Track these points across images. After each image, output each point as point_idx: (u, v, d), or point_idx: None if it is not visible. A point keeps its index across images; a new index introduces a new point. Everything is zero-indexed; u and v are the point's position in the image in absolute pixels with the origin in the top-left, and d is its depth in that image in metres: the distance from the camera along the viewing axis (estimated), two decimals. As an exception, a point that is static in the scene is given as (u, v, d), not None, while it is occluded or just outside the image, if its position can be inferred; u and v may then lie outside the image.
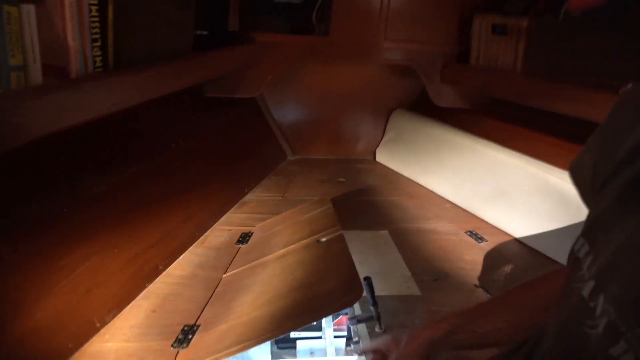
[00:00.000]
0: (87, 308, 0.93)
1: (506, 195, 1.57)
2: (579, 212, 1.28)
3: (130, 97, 0.86)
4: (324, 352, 1.24)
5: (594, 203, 0.50)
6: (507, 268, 1.30)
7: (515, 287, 0.72)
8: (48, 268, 0.83)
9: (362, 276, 0.93)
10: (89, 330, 0.92)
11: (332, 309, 0.84)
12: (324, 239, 1.13)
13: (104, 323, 0.95)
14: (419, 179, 2.02)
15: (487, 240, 1.46)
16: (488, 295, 1.14)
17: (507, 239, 1.48)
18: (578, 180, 0.58)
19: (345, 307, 0.83)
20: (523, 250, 1.41)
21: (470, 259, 1.34)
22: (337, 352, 1.26)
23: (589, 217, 0.48)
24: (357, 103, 2.39)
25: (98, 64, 0.83)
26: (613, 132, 0.47)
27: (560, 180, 1.36)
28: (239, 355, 0.85)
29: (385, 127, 2.41)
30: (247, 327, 0.89)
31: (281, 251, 1.16)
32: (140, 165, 1.22)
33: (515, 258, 1.36)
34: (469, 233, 1.51)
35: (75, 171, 1.01)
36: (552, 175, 1.39)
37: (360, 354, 0.91)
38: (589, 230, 0.46)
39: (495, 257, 1.36)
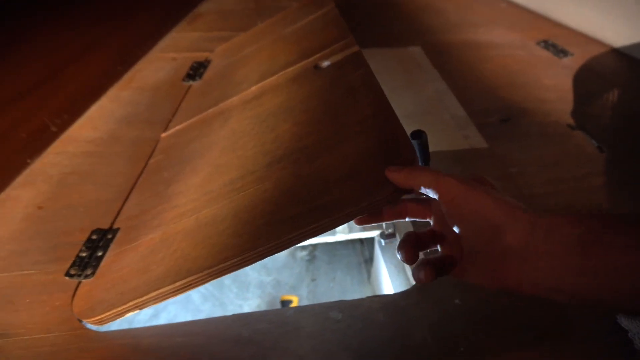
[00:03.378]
0: None
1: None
2: None
3: None
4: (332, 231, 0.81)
5: None
6: (612, 95, 0.84)
7: None
8: None
9: (407, 129, 0.47)
10: None
11: (355, 210, 0.39)
12: (326, 62, 0.64)
13: (-58, 239, 0.54)
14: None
15: (572, 54, 0.96)
16: (593, 141, 0.71)
17: (601, 50, 0.98)
18: None
19: (380, 203, 0.39)
20: (629, 66, 0.93)
21: (553, 83, 0.87)
22: (350, 226, 0.87)
23: None
24: None
25: None
26: None
27: None
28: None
29: None
30: (194, 239, 0.47)
31: (254, 88, 0.67)
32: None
33: (618, 78, 0.89)
34: (543, 44, 1.00)
35: None
36: None
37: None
38: None
39: (590, 79, 0.88)
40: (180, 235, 0.48)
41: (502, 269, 0.31)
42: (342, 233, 0.92)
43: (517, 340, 0.44)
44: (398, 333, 0.45)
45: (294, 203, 0.44)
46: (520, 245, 0.29)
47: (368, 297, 0.50)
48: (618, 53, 0.96)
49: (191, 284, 0.43)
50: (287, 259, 1.26)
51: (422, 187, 0.35)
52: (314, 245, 1.27)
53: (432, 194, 0.34)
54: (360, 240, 1.26)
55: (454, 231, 0.34)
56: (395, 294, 0.50)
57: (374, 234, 0.93)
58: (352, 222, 0.43)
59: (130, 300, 0.44)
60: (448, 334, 0.45)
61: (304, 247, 1.26)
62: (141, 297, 0.44)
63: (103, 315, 0.45)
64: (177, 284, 0.43)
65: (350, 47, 0.64)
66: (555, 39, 1.01)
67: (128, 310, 0.44)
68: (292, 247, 1.20)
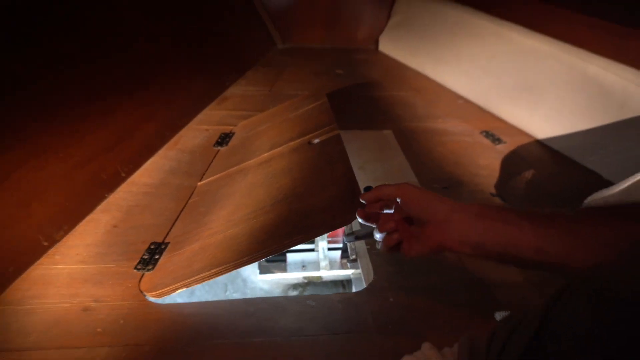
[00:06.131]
0: (28, 224, 0.77)
1: (532, 89, 1.34)
2: (621, 109, 1.06)
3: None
4: (316, 266, 1.10)
5: None
6: (528, 174, 1.13)
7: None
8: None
9: (362, 185, 0.76)
10: (34, 251, 0.77)
11: (325, 228, 0.68)
12: (316, 140, 0.94)
13: (53, 241, 0.80)
14: (428, 71, 1.77)
15: (505, 142, 1.27)
16: (507, 204, 0.99)
17: (527, 140, 1.29)
18: None
19: (341, 225, 0.67)
20: (546, 154, 1.23)
21: (486, 163, 1.16)
22: (332, 265, 1.12)
23: None
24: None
25: None
26: None
27: (602, 70, 1.13)
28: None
29: (391, 9, 2.08)
30: (222, 247, 0.73)
31: (265, 155, 0.97)
32: (91, 53, 0.97)
33: (537, 162, 1.19)
34: (484, 134, 1.32)
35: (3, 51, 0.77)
36: (591, 64, 1.16)
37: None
38: None
39: (515, 162, 1.18)
40: (213, 245, 0.75)
41: (437, 234, 0.48)
42: (324, 269, 1.17)
43: (434, 326, 0.69)
44: (350, 316, 0.70)
45: (287, 225, 0.71)
46: (446, 218, 0.48)
47: (333, 294, 0.75)
48: (540, 143, 1.27)
49: (219, 272, 0.69)
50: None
51: (388, 197, 0.56)
52: (304, 287, 1.50)
53: (397, 200, 0.53)
54: (342, 284, 1.50)
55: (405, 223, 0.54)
56: (351, 293, 0.76)
57: (350, 272, 1.18)
58: (332, 263, 0.71)
59: (180, 281, 0.70)
60: (383, 319, 0.70)
61: (295, 287, 1.49)
62: (187, 279, 0.69)
63: (161, 291, 0.70)
64: (212, 271, 0.69)
65: (334, 131, 0.94)
66: (494, 129, 1.33)
67: (178, 288, 0.70)
68: (286, 287, 1.43)
